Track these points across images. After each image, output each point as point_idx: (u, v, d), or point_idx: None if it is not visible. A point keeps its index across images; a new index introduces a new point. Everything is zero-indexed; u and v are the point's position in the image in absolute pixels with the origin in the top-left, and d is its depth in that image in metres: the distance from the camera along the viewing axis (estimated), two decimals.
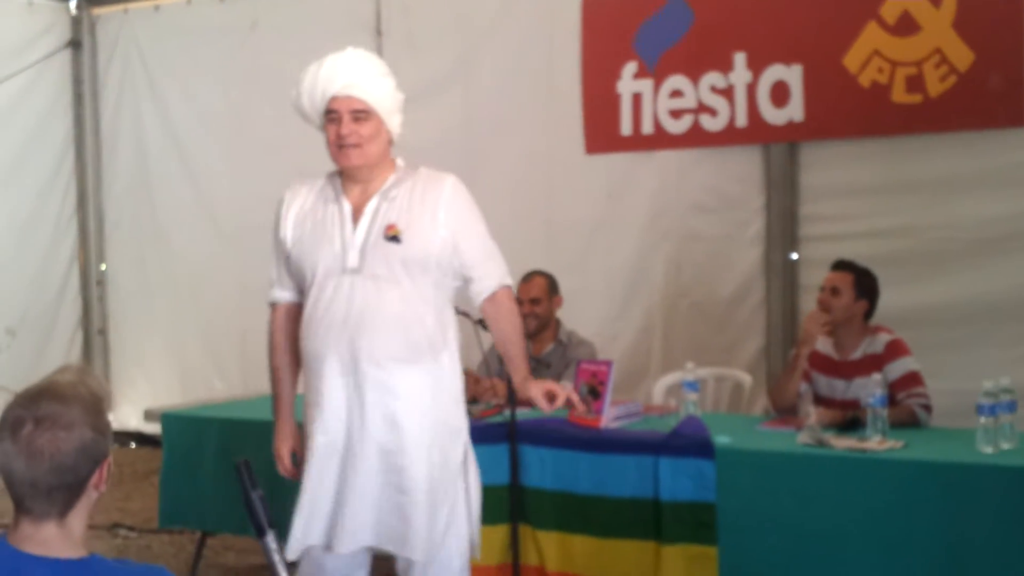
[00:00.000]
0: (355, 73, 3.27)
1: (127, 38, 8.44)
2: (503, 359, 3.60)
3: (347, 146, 3.27)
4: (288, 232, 3.44)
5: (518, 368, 3.52)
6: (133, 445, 8.48)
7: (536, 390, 3.48)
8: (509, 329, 3.50)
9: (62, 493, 1.94)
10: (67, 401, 1.93)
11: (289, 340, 3.48)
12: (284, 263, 3.47)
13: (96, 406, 1.97)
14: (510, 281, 3.51)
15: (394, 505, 3.29)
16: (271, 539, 2.24)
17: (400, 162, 3.43)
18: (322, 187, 3.45)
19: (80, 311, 8.76)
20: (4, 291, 8.14)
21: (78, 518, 1.99)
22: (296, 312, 3.46)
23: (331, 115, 3.29)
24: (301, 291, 3.43)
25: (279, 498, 4.28)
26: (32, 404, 1.93)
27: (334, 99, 3.27)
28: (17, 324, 8.21)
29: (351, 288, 3.27)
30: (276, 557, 2.24)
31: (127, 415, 8.51)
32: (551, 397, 3.48)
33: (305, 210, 3.43)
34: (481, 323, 3.59)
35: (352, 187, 3.38)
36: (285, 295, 3.51)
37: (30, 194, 8.39)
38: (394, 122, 3.33)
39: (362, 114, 3.26)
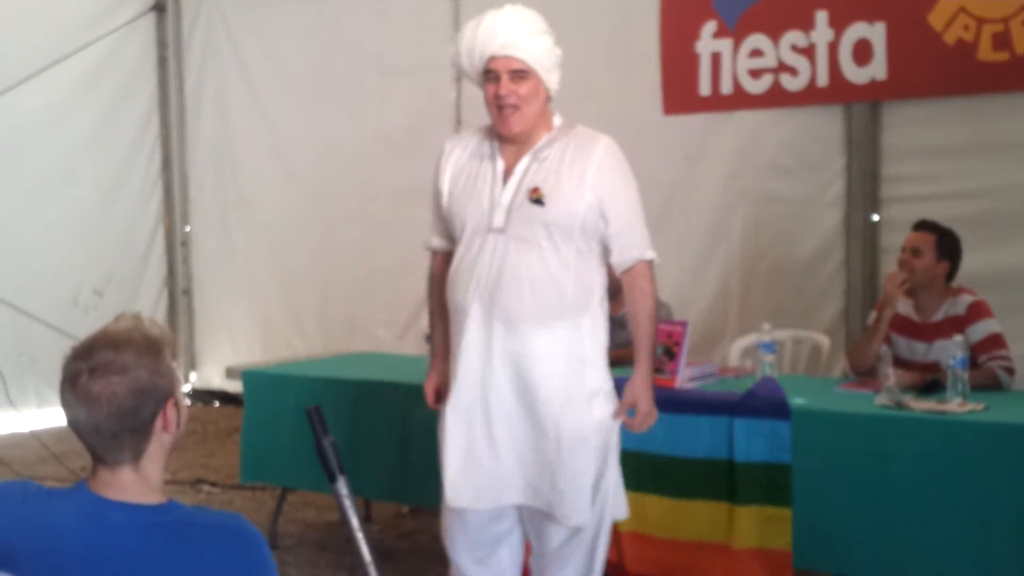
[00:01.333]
0: (513, 31, 3.24)
1: (210, 2, 8.58)
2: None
3: (506, 107, 3.26)
4: (445, 185, 3.46)
5: (637, 360, 3.44)
6: (216, 403, 8.67)
7: (629, 399, 3.42)
8: (636, 311, 3.43)
9: (128, 437, 1.97)
10: (120, 347, 1.96)
11: (443, 286, 3.52)
12: (439, 213, 3.52)
13: (151, 348, 1.99)
14: (651, 255, 3.42)
15: (535, 462, 3.33)
16: (342, 485, 2.28)
17: (557, 120, 3.40)
18: (479, 141, 3.45)
19: (165, 272, 8.99)
20: (92, 252, 8.36)
21: (153, 463, 2.02)
22: (442, 263, 3.56)
23: (489, 75, 3.29)
24: (453, 242, 3.48)
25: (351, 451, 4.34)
26: (87, 355, 1.96)
27: (492, 59, 3.26)
28: (105, 284, 8.44)
29: (494, 248, 3.30)
30: (347, 503, 2.28)
31: (210, 374, 8.73)
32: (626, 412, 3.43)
33: (461, 164, 3.44)
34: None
35: (507, 144, 3.38)
36: (442, 243, 3.56)
37: (116, 157, 8.60)
38: (552, 79, 3.30)
39: (521, 73, 3.25)
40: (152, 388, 1.98)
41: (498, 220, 3.30)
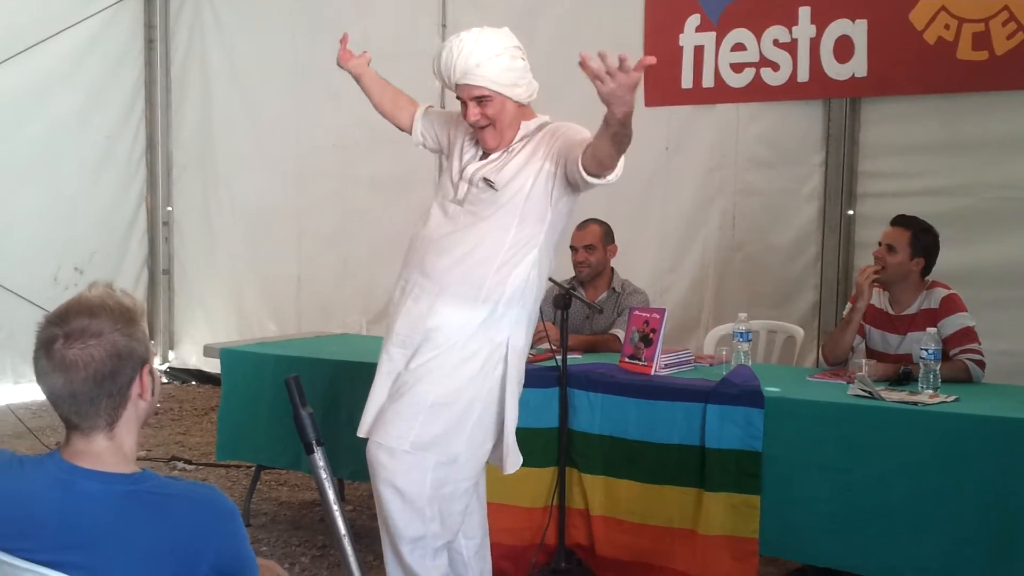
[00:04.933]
0: (468, 60, 3.42)
1: None
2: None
3: (480, 129, 3.52)
4: (454, 142, 3.71)
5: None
6: (193, 383, 8.68)
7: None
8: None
9: (104, 402, 1.96)
10: (95, 313, 1.96)
11: (389, 91, 4.10)
12: (436, 131, 3.85)
13: (125, 315, 1.99)
14: None
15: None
16: (319, 456, 2.30)
17: (536, 121, 3.55)
18: None
19: (146, 251, 8.99)
20: (74, 230, 8.36)
21: (127, 431, 2.02)
22: (408, 110, 3.96)
23: (459, 99, 3.53)
24: (428, 141, 3.87)
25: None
26: (61, 321, 1.95)
27: (457, 87, 3.49)
28: (85, 262, 8.43)
29: (450, 216, 3.53)
30: (324, 475, 2.29)
31: (188, 353, 8.75)
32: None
33: (466, 136, 3.67)
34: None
35: None
36: (419, 123, 3.89)
37: (101, 137, 8.60)
38: (517, 92, 3.47)
39: (484, 99, 3.46)
40: (129, 352, 1.97)
41: (460, 192, 3.54)
